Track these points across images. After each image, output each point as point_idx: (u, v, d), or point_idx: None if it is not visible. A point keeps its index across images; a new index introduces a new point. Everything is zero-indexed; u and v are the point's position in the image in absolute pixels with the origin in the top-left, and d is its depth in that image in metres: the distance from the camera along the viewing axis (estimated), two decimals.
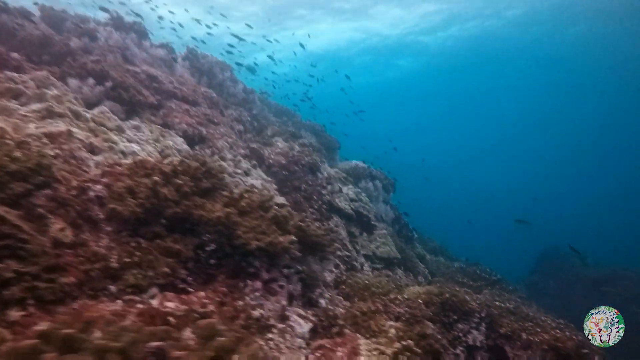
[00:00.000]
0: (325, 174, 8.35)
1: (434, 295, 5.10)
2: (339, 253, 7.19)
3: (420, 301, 4.82)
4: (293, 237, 3.96)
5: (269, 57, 15.28)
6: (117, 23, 7.93)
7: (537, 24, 30.96)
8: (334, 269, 6.84)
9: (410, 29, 31.59)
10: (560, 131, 62.15)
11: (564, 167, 73.41)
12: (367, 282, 5.73)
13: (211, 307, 3.25)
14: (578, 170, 72.61)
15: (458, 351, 4.98)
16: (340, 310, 4.94)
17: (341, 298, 5.50)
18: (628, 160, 61.46)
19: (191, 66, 9.66)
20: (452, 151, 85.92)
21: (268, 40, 17.36)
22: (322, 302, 4.77)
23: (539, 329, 5.56)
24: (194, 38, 12.11)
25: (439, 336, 4.23)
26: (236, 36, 11.40)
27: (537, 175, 77.48)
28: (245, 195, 4.18)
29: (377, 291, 5.57)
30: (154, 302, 3.03)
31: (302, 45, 17.74)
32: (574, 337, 5.55)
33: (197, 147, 7.15)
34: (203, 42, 12.10)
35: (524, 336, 5.33)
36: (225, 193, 4.16)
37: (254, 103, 10.64)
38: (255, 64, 15.52)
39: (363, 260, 7.96)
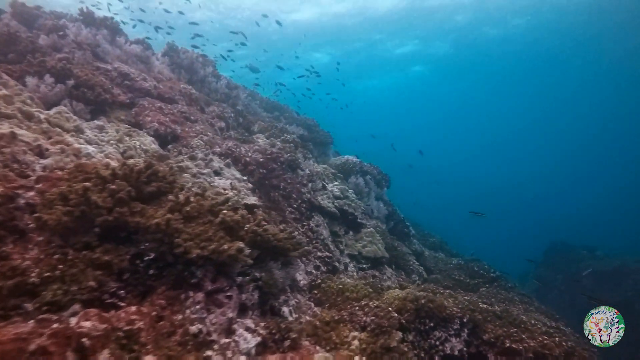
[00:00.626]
0: (307, 171, 8.01)
1: (408, 302, 4.76)
2: (319, 254, 6.89)
3: (391, 308, 4.48)
4: (240, 244, 3.65)
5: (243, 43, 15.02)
6: (88, 19, 7.66)
7: (539, 27, 30.80)
8: (314, 271, 6.55)
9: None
10: (570, 124, 60.84)
11: (575, 159, 72.07)
12: (340, 286, 5.42)
13: (140, 324, 2.98)
14: (589, 163, 71.18)
15: None
16: (307, 318, 4.65)
17: (312, 304, 5.21)
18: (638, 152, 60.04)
19: (171, 62, 9.37)
20: (459, 148, 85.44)
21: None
22: (285, 310, 4.47)
23: (525, 335, 5.19)
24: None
25: (405, 348, 3.90)
26: (195, 23, 11.09)
27: (547, 169, 76.46)
28: (193, 199, 3.88)
29: (352, 296, 5.26)
30: (73, 321, 2.77)
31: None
32: (564, 343, 5.17)
33: (170, 147, 6.90)
34: (171, 27, 11.74)
35: (508, 343, 4.96)
36: (170, 197, 3.87)
37: (238, 99, 10.33)
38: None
39: (347, 260, 7.65)
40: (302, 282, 5.73)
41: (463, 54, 37.57)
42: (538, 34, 32.77)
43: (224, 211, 3.89)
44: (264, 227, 4.25)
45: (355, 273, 7.48)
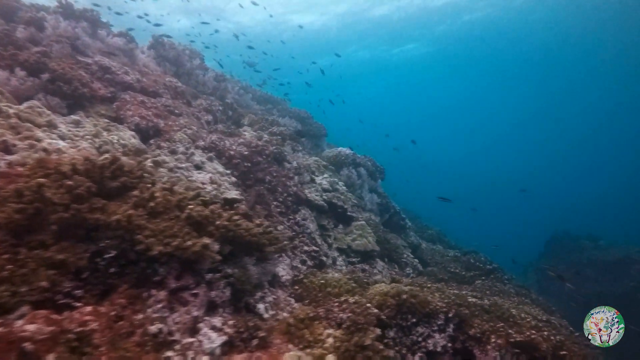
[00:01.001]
0: (295, 164, 7.84)
1: (389, 297, 4.61)
2: (305, 248, 6.76)
3: (369, 305, 4.34)
4: (207, 240, 3.51)
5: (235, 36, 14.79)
6: (67, 11, 7.48)
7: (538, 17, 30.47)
8: (300, 265, 6.43)
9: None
10: (573, 114, 60.02)
11: (579, 149, 71.24)
12: (322, 281, 5.28)
13: (94, 325, 2.86)
14: (593, 153, 70.35)
15: (417, 358, 4.52)
16: (285, 314, 4.52)
17: (292, 300, 5.08)
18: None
19: (157, 55, 9.19)
20: (463, 140, 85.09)
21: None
22: (261, 307, 4.34)
23: (512, 330, 5.03)
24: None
25: (380, 346, 3.76)
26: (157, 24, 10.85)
27: (551, 159, 75.90)
28: (159, 194, 3.74)
29: (333, 291, 5.12)
30: (18, 324, 2.65)
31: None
32: (552, 337, 5.01)
33: (152, 141, 6.77)
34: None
35: (493, 338, 4.81)
36: (135, 193, 3.73)
37: (226, 91, 10.14)
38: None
39: (336, 254, 7.51)
40: (285, 277, 5.60)
41: (460, 47, 37.23)
42: (532, 26, 32.39)
43: (191, 206, 3.75)
44: (236, 222, 4.10)
45: (344, 267, 7.35)
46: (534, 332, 5.03)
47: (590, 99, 51.20)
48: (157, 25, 10.65)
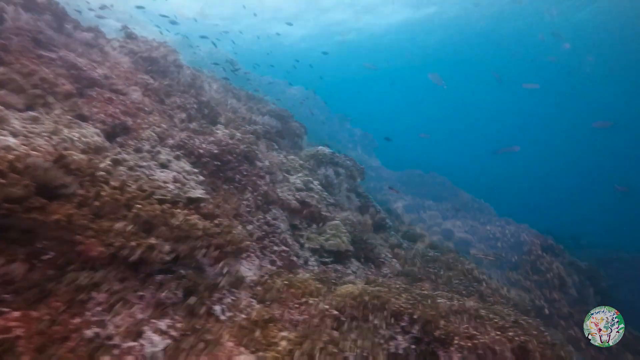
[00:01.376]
0: (267, 163, 7.72)
1: (349, 299, 4.53)
2: (275, 248, 6.67)
3: (328, 306, 4.25)
4: (152, 241, 3.38)
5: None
6: (29, 3, 7.23)
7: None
8: (269, 266, 6.32)
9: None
10: (555, 117, 61.02)
11: (558, 151, 72.50)
12: (287, 282, 5.17)
13: (19, 332, 2.71)
14: (572, 154, 71.68)
15: None
16: (243, 316, 4.41)
17: (254, 302, 4.96)
18: (623, 146, 60.50)
19: (129, 51, 8.98)
20: (451, 143, 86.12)
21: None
22: (217, 309, 4.22)
23: (477, 331, 4.99)
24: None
25: (335, 349, 3.68)
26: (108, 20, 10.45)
27: (537, 159, 77.11)
28: (104, 193, 3.59)
29: (297, 292, 5.02)
30: None
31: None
32: (516, 338, 4.99)
33: (119, 139, 6.59)
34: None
35: (457, 340, 4.76)
36: (80, 192, 3.58)
37: (202, 89, 9.98)
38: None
39: (308, 255, 7.41)
40: (250, 278, 5.49)
41: (446, 56, 37.77)
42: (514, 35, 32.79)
43: (139, 205, 3.61)
44: (190, 222, 3.98)
45: (316, 267, 7.25)
46: (498, 333, 5.01)
47: (581, 103, 52.09)
48: (99, 17, 10.27)
